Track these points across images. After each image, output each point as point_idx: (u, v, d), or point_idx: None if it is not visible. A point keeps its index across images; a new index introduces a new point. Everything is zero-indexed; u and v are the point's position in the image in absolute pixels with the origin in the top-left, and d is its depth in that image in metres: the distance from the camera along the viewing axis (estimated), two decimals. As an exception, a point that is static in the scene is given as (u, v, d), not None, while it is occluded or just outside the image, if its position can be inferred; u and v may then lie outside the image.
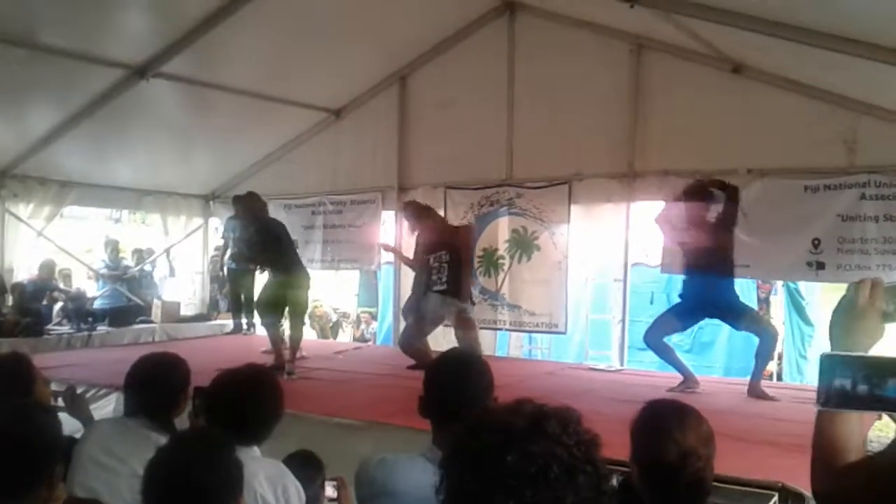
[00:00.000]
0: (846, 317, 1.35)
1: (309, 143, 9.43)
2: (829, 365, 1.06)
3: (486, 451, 1.10)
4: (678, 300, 6.32)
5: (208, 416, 2.51)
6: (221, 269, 9.98)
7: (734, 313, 6.00)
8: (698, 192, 6.17)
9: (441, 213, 8.32)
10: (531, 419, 1.13)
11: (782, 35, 5.18)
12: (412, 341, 6.66)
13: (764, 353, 6.03)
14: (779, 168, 6.62)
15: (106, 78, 7.22)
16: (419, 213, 6.94)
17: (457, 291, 6.51)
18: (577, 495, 1.08)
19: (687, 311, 6.12)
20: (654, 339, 6.03)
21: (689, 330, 7.28)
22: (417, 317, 6.73)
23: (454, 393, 2.06)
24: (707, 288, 5.92)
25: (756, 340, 5.98)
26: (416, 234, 7.18)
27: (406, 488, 2.02)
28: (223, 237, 9.73)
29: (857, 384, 1.05)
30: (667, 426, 1.86)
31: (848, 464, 1.27)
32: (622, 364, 7.55)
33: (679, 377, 5.93)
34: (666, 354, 6.12)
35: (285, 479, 2.43)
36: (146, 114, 7.90)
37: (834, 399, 1.06)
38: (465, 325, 6.48)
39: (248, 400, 2.44)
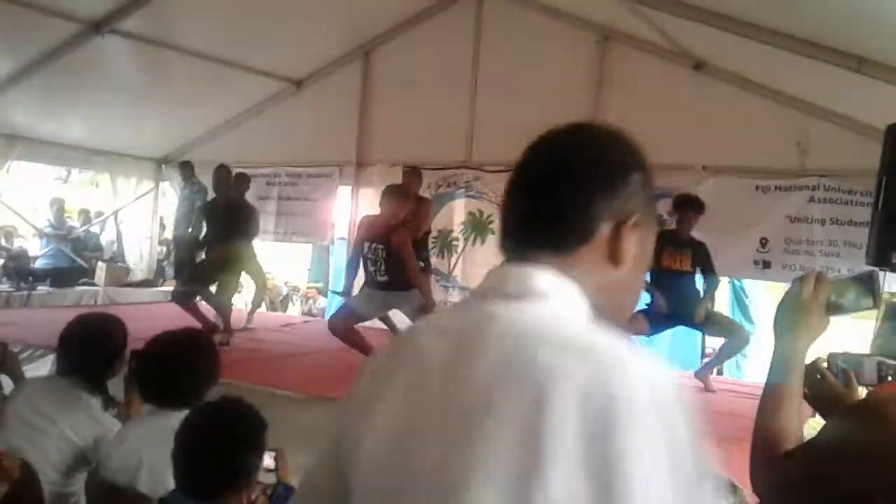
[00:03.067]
0: (791, 312, 1.36)
1: (268, 113, 9.27)
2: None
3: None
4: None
5: (140, 377, 2.45)
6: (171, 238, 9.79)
7: (707, 319, 5.87)
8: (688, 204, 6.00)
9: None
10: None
11: (744, 33, 5.27)
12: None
13: (728, 352, 6.08)
14: (733, 166, 6.74)
15: (60, 31, 6.97)
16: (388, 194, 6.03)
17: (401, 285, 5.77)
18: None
19: (657, 318, 5.88)
20: None
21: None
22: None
23: None
24: (677, 296, 5.78)
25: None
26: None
27: None
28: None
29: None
30: None
31: (787, 450, 1.29)
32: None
33: None
34: None
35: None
36: (100, 71, 7.66)
37: None
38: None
39: (181, 361, 2.39)
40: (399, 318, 6.24)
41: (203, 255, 7.21)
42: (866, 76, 4.90)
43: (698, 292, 5.92)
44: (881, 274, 3.17)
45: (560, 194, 0.98)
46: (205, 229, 7.21)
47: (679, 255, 5.86)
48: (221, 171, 7.02)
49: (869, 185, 5.74)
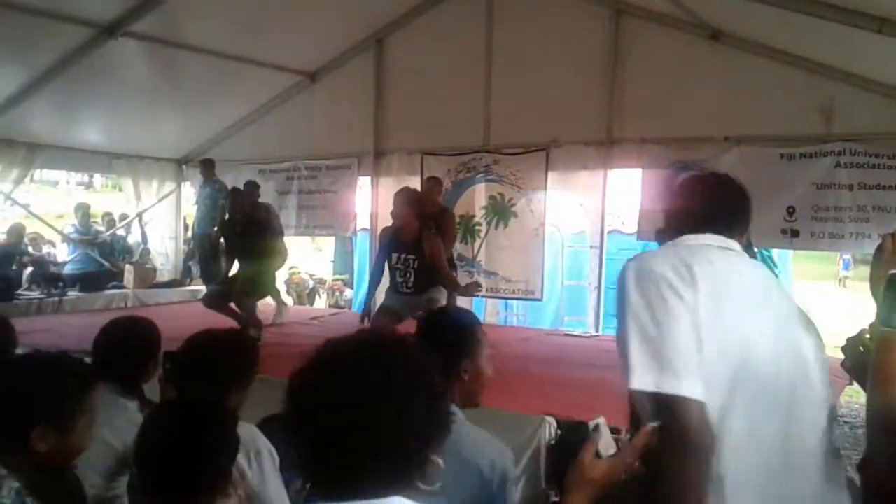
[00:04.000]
0: (889, 268, 1.34)
1: (283, 107, 9.29)
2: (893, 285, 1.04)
3: (347, 369, 1.12)
4: None
5: (178, 378, 2.47)
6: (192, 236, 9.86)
7: None
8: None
9: (418, 179, 8.25)
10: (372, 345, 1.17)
11: (762, -1, 5.16)
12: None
13: None
14: (755, 136, 6.63)
15: (74, 36, 7.02)
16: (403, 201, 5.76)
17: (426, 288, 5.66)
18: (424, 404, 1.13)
19: None
20: None
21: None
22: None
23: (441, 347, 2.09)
24: None
25: None
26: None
27: None
28: (195, 203, 9.59)
29: None
30: None
31: None
32: (597, 330, 7.58)
33: None
34: None
35: (258, 443, 2.40)
36: (116, 74, 7.71)
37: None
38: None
39: (223, 360, 2.40)
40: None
41: (224, 265, 7.28)
42: (889, 36, 4.79)
43: None
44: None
45: None
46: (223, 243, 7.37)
47: None
48: (235, 194, 7.21)
49: (896, 147, 5.66)
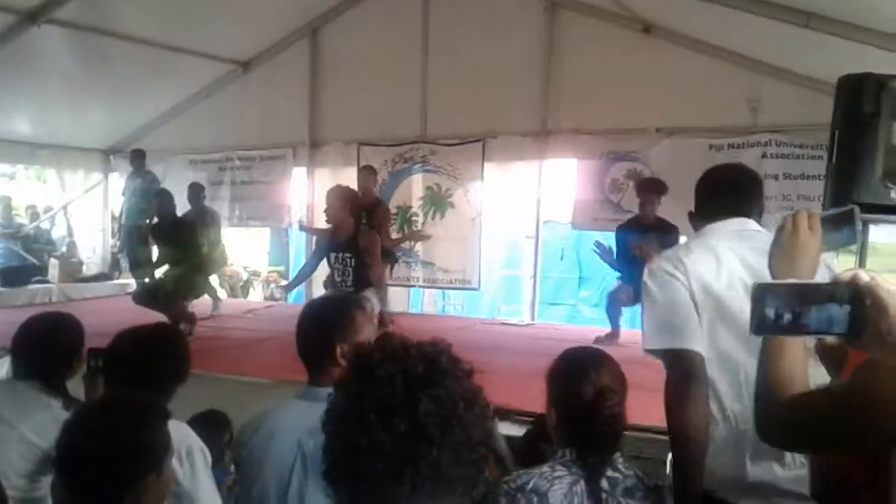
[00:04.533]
0: (789, 251, 1.35)
1: (216, 97, 9.08)
2: (759, 294, 1.08)
3: (395, 401, 1.06)
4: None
5: (108, 377, 2.39)
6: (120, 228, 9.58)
7: None
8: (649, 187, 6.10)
9: (354, 170, 8.19)
10: (427, 361, 1.11)
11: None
12: None
13: None
14: (686, 127, 6.79)
15: (-7, 22, 6.73)
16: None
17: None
18: (479, 425, 1.11)
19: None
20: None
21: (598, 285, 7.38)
22: None
23: (318, 332, 2.14)
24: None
25: None
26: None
27: (285, 425, 2.03)
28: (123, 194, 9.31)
29: (782, 313, 1.08)
30: (583, 368, 1.92)
31: (798, 394, 1.27)
32: (533, 319, 7.67)
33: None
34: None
35: (190, 441, 2.34)
36: (39, 62, 7.40)
37: (763, 327, 1.09)
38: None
39: (154, 359, 2.33)
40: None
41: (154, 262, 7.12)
42: (815, 31, 4.95)
43: None
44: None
45: None
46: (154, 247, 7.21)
47: (644, 244, 5.90)
48: (163, 196, 7.06)
49: (819, 138, 5.84)
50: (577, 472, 1.84)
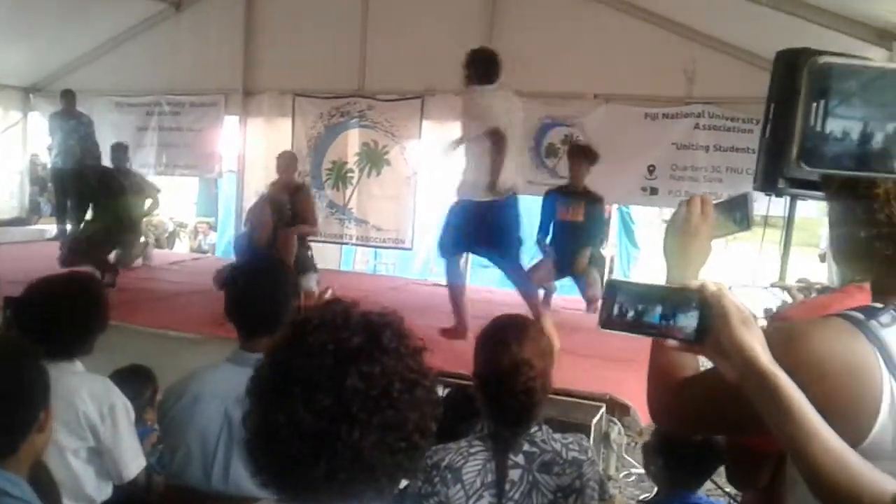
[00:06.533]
0: (681, 236, 1.35)
1: (145, 37, 8.69)
2: (610, 290, 1.10)
3: (321, 374, 0.98)
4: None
5: (21, 328, 2.28)
6: (44, 169, 9.16)
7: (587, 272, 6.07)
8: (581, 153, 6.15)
9: (289, 121, 8.04)
10: (365, 333, 1.03)
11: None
12: None
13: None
14: (623, 94, 6.83)
15: None
16: None
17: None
18: (418, 410, 1.03)
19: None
20: None
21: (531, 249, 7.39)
22: None
23: (254, 298, 2.11)
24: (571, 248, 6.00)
25: None
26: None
27: (212, 391, 1.99)
28: (50, 135, 8.87)
29: (628, 309, 1.10)
30: (505, 337, 1.89)
31: (684, 378, 1.29)
32: (465, 281, 7.68)
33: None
34: None
35: (111, 395, 2.27)
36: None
37: (611, 322, 1.11)
38: None
39: (68, 308, 2.24)
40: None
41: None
42: (755, 4, 5.01)
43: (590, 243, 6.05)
44: (766, 198, 3.30)
45: None
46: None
47: (572, 208, 5.96)
48: (119, 150, 6.96)
49: (751, 112, 5.98)
50: (492, 447, 1.84)
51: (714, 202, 1.39)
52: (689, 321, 1.08)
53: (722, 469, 1.98)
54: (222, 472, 1.93)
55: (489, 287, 7.62)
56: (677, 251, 1.35)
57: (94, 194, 6.55)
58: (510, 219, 4.67)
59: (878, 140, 0.67)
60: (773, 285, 2.24)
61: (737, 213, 1.38)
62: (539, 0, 7.01)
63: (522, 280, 4.94)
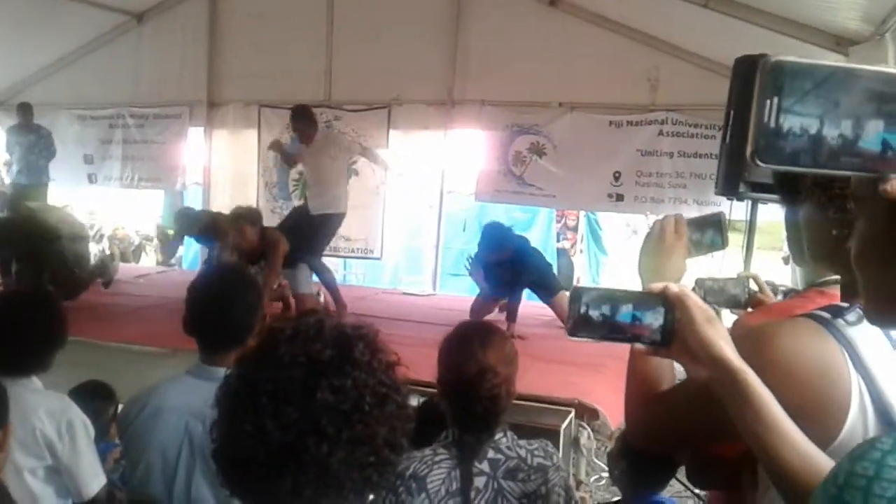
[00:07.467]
0: (655, 255, 1.36)
1: (107, 49, 8.58)
2: (576, 296, 1.10)
3: (291, 386, 0.97)
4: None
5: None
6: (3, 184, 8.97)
7: None
8: None
9: (255, 132, 7.98)
10: (337, 346, 1.01)
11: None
12: None
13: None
14: (588, 103, 6.88)
15: None
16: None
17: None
18: (388, 424, 1.02)
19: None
20: None
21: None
22: None
23: (217, 311, 2.03)
24: None
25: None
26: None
27: (173, 405, 1.95)
28: (7, 151, 8.69)
29: (594, 313, 1.10)
30: (470, 344, 1.88)
31: (659, 392, 1.29)
32: (435, 289, 7.68)
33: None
34: None
35: (70, 413, 2.22)
36: None
37: (577, 328, 1.11)
38: None
39: (23, 325, 2.18)
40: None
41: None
42: (714, 12, 5.09)
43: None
44: (728, 203, 3.33)
45: None
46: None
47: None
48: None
49: (713, 118, 6.06)
50: (457, 455, 1.82)
51: (687, 219, 1.40)
52: (655, 318, 1.08)
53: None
54: (184, 487, 1.89)
55: (456, 295, 7.61)
56: (652, 269, 1.35)
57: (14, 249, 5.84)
58: None
59: (834, 137, 0.68)
60: (739, 275, 2.27)
61: (710, 232, 1.40)
62: (504, 10, 7.03)
63: None
